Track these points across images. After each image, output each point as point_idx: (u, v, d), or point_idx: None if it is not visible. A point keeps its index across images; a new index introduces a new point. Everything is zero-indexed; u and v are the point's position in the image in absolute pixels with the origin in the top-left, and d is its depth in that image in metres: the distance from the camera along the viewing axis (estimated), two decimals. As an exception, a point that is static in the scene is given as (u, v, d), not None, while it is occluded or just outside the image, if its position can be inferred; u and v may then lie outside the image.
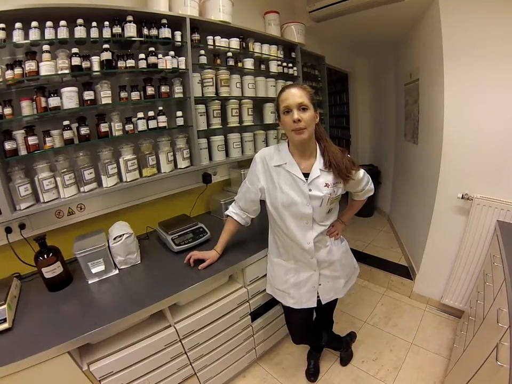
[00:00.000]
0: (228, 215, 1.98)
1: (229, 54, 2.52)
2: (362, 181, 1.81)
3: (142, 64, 2.01)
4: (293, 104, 1.52)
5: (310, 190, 1.64)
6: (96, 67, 1.85)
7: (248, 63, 2.69)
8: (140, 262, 2.05)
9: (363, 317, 3.00)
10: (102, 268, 1.86)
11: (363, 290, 3.44)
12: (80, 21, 1.76)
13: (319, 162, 1.67)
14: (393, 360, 2.47)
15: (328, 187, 1.65)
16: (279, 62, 2.99)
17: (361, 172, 1.78)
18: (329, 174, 1.66)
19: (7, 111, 1.62)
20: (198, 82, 2.33)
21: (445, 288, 2.85)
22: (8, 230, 1.85)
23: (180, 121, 2.26)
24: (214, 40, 2.41)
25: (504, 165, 2.33)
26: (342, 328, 2.78)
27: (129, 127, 2.02)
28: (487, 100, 2.34)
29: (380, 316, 3.00)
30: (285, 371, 2.46)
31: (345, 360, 2.47)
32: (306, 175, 1.65)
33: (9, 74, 1.61)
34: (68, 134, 1.78)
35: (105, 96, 1.90)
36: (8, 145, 1.61)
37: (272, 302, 2.34)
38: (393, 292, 3.37)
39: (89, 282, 1.84)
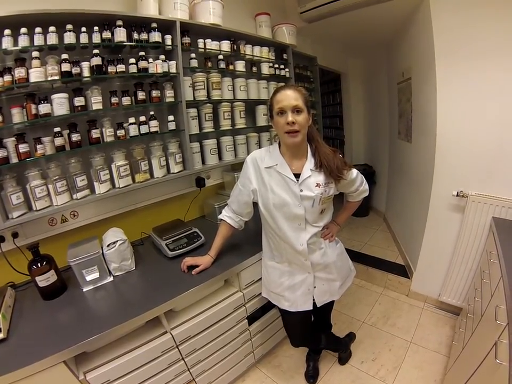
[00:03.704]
0: (222, 219, 1.97)
1: (220, 56, 2.52)
2: (356, 181, 1.81)
3: (133, 68, 2.00)
4: (288, 106, 1.51)
5: (301, 190, 1.64)
6: (86, 73, 1.84)
7: (240, 66, 2.69)
8: (134, 268, 2.03)
9: (361, 317, 3.00)
10: (96, 275, 1.85)
11: (360, 290, 3.44)
12: (69, 26, 1.74)
13: (310, 163, 1.67)
14: (392, 359, 2.46)
15: (319, 187, 1.64)
16: (271, 64, 2.98)
17: (354, 172, 1.77)
18: (320, 174, 1.66)
19: (-3, 118, 1.60)
20: (189, 86, 2.32)
21: (443, 286, 2.85)
22: (1, 239, 1.83)
23: (171, 126, 2.25)
24: (204, 43, 2.41)
25: (498, 161, 2.33)
26: (340, 328, 2.78)
27: (120, 132, 2.00)
28: (480, 97, 2.34)
29: (378, 316, 3.00)
30: (284, 374, 2.45)
31: (344, 359, 2.47)
32: (297, 175, 1.65)
33: (-2, 81, 1.60)
34: (59, 141, 1.77)
35: (96, 102, 1.88)
36: (-2, 153, 1.59)
37: (268, 305, 2.32)
38: (390, 291, 3.37)
39: (84, 290, 1.83)
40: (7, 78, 1.61)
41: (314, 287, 1.88)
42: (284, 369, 2.50)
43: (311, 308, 1.91)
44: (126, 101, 2.02)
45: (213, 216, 2.73)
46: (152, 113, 2.15)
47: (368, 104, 5.45)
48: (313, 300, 1.90)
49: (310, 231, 1.72)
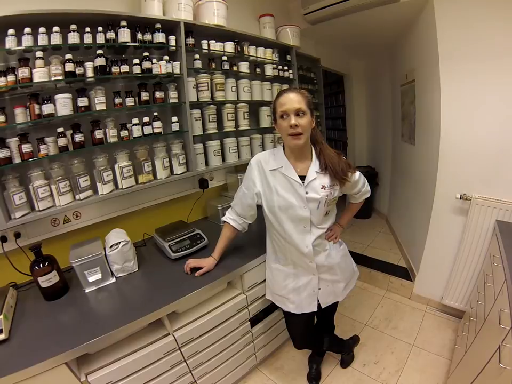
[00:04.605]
0: (225, 221, 1.96)
1: (224, 58, 2.52)
2: (358, 182, 1.82)
3: (136, 69, 2.00)
4: (291, 109, 1.51)
5: (306, 192, 1.63)
6: (90, 73, 1.83)
7: (243, 67, 2.69)
8: (137, 269, 2.03)
9: (363, 320, 2.98)
10: (98, 276, 1.84)
11: (363, 293, 3.42)
12: (73, 26, 1.75)
13: (315, 165, 1.67)
14: (394, 362, 2.45)
15: (324, 189, 1.64)
16: (275, 65, 2.98)
17: (357, 173, 1.78)
18: (325, 176, 1.66)
19: (1, 118, 1.60)
20: (193, 87, 2.32)
21: (445, 289, 2.84)
22: (4, 239, 1.83)
23: (175, 127, 2.25)
24: (208, 44, 2.40)
25: (502, 164, 2.32)
26: (342, 331, 2.76)
27: (124, 133, 2.00)
28: (483, 100, 2.34)
29: (380, 318, 2.99)
30: (286, 376, 2.44)
31: (346, 362, 2.46)
32: (302, 178, 1.65)
33: (2, 81, 1.60)
34: (62, 141, 1.76)
35: (100, 103, 1.88)
36: (1, 153, 1.59)
37: (271, 307, 2.32)
38: (393, 293, 3.36)
39: (86, 291, 1.82)
40: (11, 77, 1.61)
41: (319, 289, 1.87)
42: (286, 371, 2.48)
43: (316, 310, 1.90)
44: (129, 101, 2.02)
45: (216, 218, 2.73)
46: (155, 114, 2.15)
47: (371, 106, 5.45)
48: (318, 301, 1.90)
49: (315, 233, 1.72)
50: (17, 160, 1.67)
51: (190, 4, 2.26)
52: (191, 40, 2.27)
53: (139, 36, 2.01)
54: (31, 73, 1.65)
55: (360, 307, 3.18)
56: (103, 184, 1.95)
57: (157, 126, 2.14)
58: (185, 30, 2.18)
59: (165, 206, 2.60)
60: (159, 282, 1.89)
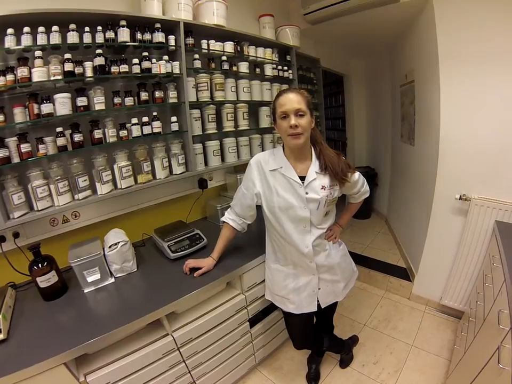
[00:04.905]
0: (224, 221, 1.96)
1: (224, 57, 2.51)
2: (358, 183, 1.82)
3: (136, 69, 2.00)
4: (291, 110, 1.51)
5: (306, 193, 1.63)
6: (89, 73, 1.83)
7: (243, 67, 2.68)
8: (136, 269, 2.02)
9: (362, 320, 2.98)
10: (97, 276, 1.84)
11: (362, 293, 3.42)
12: (72, 26, 1.74)
13: (314, 165, 1.67)
14: (393, 362, 2.45)
15: (324, 189, 1.64)
16: (274, 65, 2.98)
17: (357, 174, 1.79)
18: (325, 176, 1.66)
19: (-1, 118, 1.60)
20: (192, 87, 2.31)
21: (444, 289, 2.84)
22: (2, 239, 1.82)
23: (174, 127, 2.24)
24: (208, 44, 2.40)
25: (501, 165, 2.32)
26: (341, 331, 2.76)
27: (123, 133, 2.00)
28: (483, 100, 2.34)
29: (379, 319, 2.99)
30: (285, 376, 2.44)
31: (345, 362, 2.46)
32: (302, 178, 1.65)
33: (1, 80, 1.59)
34: (61, 141, 1.76)
35: (99, 102, 1.88)
36: (0, 153, 1.58)
37: (270, 308, 2.32)
38: (392, 294, 3.36)
39: (85, 291, 1.82)
40: (10, 77, 1.61)
41: (319, 289, 1.87)
42: (285, 371, 2.48)
43: (316, 310, 1.90)
44: (129, 101, 2.02)
45: (215, 218, 2.72)
46: (155, 114, 2.15)
47: (371, 106, 5.45)
48: (318, 301, 1.90)
49: (315, 233, 1.72)
50: (16, 159, 1.67)
51: (190, 3, 2.25)
52: (190, 40, 2.26)
53: (138, 36, 2.00)
54: (30, 73, 1.65)
55: (360, 307, 3.18)
56: (102, 184, 1.94)
57: (156, 126, 2.14)
58: (185, 30, 2.18)
59: (164, 206, 2.60)
60: (158, 282, 1.88)
